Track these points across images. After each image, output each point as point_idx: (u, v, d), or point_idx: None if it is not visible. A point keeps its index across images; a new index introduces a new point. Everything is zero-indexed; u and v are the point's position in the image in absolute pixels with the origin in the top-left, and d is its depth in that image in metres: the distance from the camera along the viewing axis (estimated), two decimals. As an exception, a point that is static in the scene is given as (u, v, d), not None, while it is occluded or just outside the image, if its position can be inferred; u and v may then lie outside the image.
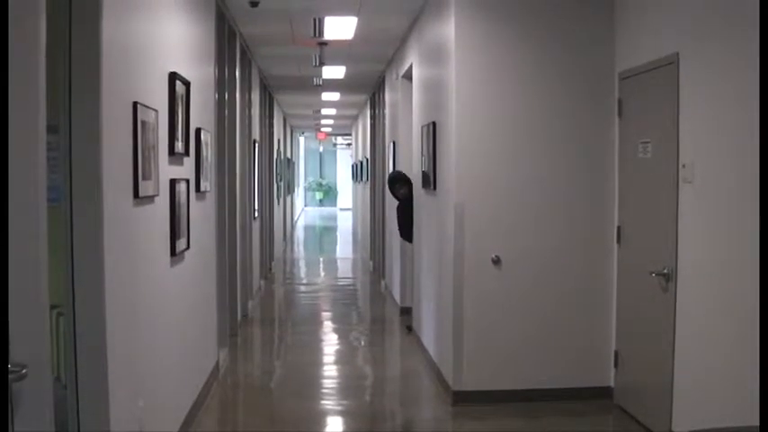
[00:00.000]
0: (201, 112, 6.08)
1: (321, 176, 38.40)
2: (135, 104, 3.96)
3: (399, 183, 8.89)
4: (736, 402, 4.12)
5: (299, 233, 24.66)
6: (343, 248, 20.53)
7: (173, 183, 4.89)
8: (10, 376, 1.95)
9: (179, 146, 5.09)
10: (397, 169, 9.71)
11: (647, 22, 5.44)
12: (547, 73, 6.03)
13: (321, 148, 36.71)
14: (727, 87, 4.36)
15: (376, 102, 13.51)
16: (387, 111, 11.44)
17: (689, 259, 4.80)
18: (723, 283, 4.39)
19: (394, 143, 10.42)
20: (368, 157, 15.39)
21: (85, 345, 3.44)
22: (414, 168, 8.53)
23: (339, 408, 6.32)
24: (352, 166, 22.83)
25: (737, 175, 4.19)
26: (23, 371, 1.97)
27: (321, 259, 17.01)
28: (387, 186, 9.08)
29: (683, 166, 4.81)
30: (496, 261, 5.97)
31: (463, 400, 5.97)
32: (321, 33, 8.69)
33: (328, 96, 15.60)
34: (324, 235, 25.12)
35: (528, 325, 6.03)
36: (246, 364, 7.66)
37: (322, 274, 14.89)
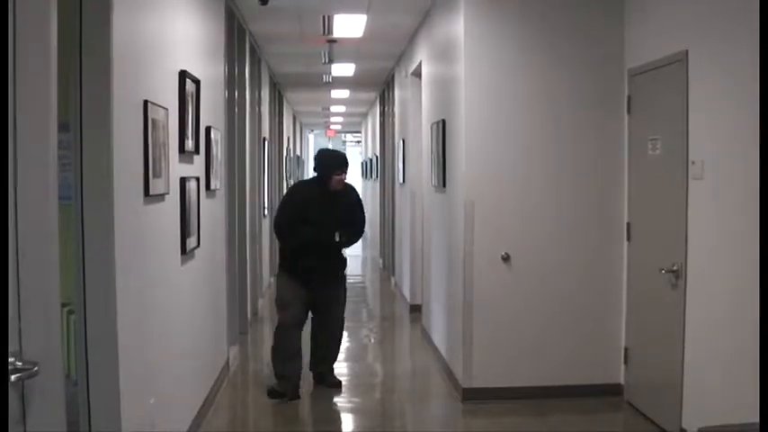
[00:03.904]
0: (211, 110, 6.09)
1: (330, 174, 38.33)
2: (145, 103, 3.97)
3: (335, 165, 6.10)
4: (746, 399, 4.10)
5: (309, 231, 24.60)
6: (353, 246, 20.51)
7: (183, 181, 4.91)
8: (22, 374, 1.96)
9: (189, 144, 5.10)
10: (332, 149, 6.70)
11: (656, 19, 5.42)
12: (556, 70, 6.02)
13: (331, 146, 36.74)
14: (736, 84, 4.34)
15: (385, 99, 13.51)
16: (396, 108, 11.44)
17: (699, 256, 4.79)
18: (733, 280, 4.38)
19: (403, 140, 10.42)
20: (377, 154, 15.39)
21: (96, 342, 3.46)
22: (423, 165, 8.52)
23: (349, 405, 6.32)
24: (362, 163, 22.83)
25: (747, 172, 4.17)
26: (35, 368, 1.98)
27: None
28: (319, 168, 6.15)
29: (693, 162, 4.79)
30: (506, 258, 5.96)
31: (473, 397, 5.97)
32: (330, 31, 8.70)
33: (338, 94, 15.61)
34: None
35: (538, 322, 6.02)
36: (257, 362, 7.67)
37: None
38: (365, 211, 6.45)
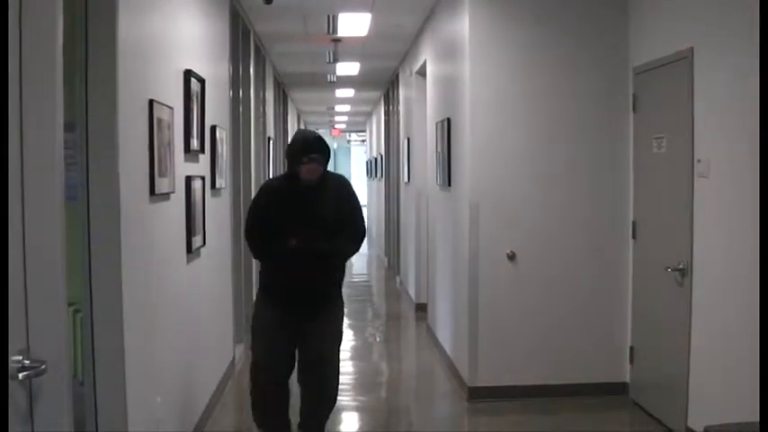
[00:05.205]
0: (216, 110, 6.10)
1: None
2: (151, 102, 3.98)
3: (300, 150, 4.61)
4: (752, 397, 4.10)
5: (314, 230, 24.58)
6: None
7: (188, 180, 4.91)
8: (30, 372, 1.97)
9: (194, 143, 5.11)
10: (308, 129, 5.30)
11: (661, 17, 5.42)
12: (561, 68, 6.01)
13: (335, 145, 36.72)
14: (741, 81, 4.33)
15: (390, 98, 13.51)
16: (401, 107, 11.44)
17: (704, 254, 4.78)
18: (739, 278, 4.37)
19: (408, 139, 10.42)
20: (382, 153, 15.40)
21: (103, 342, 3.46)
22: (428, 164, 8.52)
23: (355, 403, 6.33)
24: (367, 162, 22.84)
25: (753, 170, 4.16)
26: (43, 366, 1.99)
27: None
28: (293, 155, 4.65)
29: (699, 160, 4.79)
30: (511, 257, 5.96)
31: (479, 395, 5.97)
32: (335, 30, 8.70)
33: (342, 93, 15.62)
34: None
35: (543, 320, 6.02)
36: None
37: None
38: (366, 213, 5.37)
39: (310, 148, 4.58)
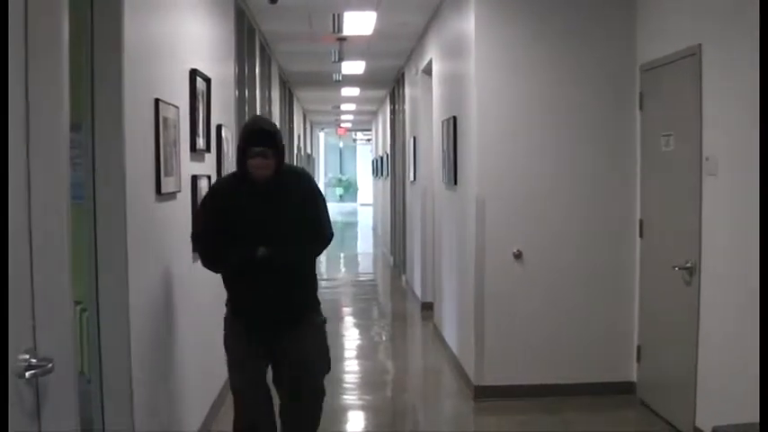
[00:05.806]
0: (222, 109, 6.10)
1: (341, 172, 38.44)
2: (156, 101, 3.98)
3: (247, 142, 3.97)
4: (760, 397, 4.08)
5: (320, 229, 24.55)
6: (364, 244, 20.54)
7: (194, 179, 4.92)
8: (37, 370, 1.97)
9: (200, 142, 5.11)
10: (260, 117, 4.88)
11: (668, 14, 5.40)
12: (567, 66, 6.00)
13: (341, 144, 36.77)
14: (750, 79, 4.31)
15: (396, 97, 13.50)
16: (407, 106, 11.43)
17: (712, 253, 4.76)
18: (747, 277, 4.35)
19: (414, 138, 10.41)
20: (388, 152, 15.39)
21: (109, 340, 3.47)
22: (434, 163, 8.51)
23: (361, 402, 6.33)
24: (373, 161, 22.83)
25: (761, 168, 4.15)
26: (50, 365, 1.99)
27: (342, 255, 17.01)
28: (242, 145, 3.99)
29: (707, 158, 4.77)
30: (518, 255, 5.95)
31: (485, 394, 5.96)
32: (340, 29, 8.70)
33: (348, 92, 15.62)
34: (344, 231, 25.05)
35: (550, 319, 6.01)
36: (268, 360, 7.68)
37: (342, 269, 14.90)
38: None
39: (258, 139, 3.91)
